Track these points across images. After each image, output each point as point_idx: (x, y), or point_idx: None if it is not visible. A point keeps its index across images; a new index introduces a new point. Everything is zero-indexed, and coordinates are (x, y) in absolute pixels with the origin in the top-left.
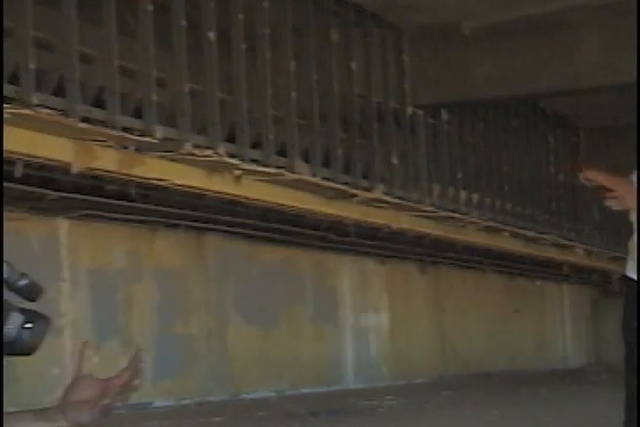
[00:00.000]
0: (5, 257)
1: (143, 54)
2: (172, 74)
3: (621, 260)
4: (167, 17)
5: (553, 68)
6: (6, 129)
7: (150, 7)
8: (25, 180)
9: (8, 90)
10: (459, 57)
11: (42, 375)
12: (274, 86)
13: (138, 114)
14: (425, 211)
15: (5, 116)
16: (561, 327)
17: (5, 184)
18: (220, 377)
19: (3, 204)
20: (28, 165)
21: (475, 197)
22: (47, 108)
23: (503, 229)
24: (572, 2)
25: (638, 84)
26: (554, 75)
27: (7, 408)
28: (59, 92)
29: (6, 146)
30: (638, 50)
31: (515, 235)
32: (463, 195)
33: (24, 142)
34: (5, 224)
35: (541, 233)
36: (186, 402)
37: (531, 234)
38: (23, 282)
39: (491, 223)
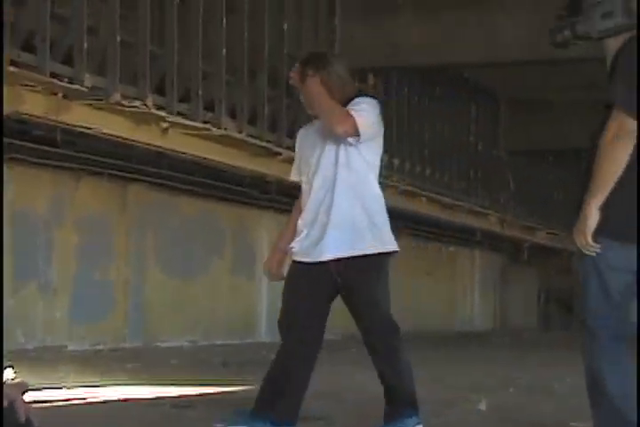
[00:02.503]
0: None
1: (75, 1)
2: (103, 22)
3: (532, 229)
4: None
5: (478, 40)
6: None
7: None
8: None
9: None
10: (388, 24)
11: None
12: (205, 41)
13: (68, 61)
14: None
15: None
16: (470, 292)
17: None
18: (134, 325)
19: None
20: None
21: (395, 161)
22: None
23: (421, 195)
24: None
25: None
26: (478, 46)
27: None
28: None
29: None
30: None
31: (431, 200)
32: (384, 158)
33: None
34: None
35: (457, 200)
36: (100, 347)
37: (447, 200)
38: None
39: (409, 188)
